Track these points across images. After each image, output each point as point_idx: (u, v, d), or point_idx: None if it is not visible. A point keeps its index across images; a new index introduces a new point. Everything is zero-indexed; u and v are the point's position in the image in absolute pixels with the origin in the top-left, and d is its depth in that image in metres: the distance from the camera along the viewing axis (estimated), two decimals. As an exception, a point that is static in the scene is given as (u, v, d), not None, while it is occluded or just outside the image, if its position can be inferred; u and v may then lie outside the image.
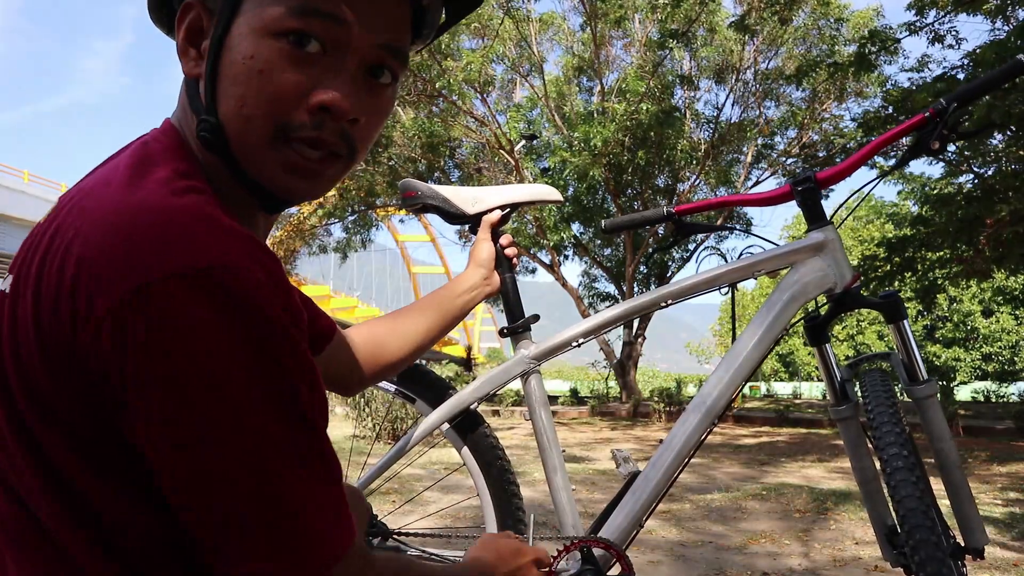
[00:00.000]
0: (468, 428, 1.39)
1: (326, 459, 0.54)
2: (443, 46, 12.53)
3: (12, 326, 0.53)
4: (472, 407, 1.37)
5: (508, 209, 1.34)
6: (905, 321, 1.33)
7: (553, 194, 1.39)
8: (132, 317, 0.47)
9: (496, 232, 1.32)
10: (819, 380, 27.61)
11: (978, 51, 7.35)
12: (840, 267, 1.32)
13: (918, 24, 8.25)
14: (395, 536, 1.40)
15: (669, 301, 1.34)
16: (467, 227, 1.36)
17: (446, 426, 1.38)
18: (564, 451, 1.34)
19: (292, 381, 0.51)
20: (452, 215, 1.34)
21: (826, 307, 1.36)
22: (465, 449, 1.39)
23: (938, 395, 1.33)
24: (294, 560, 0.51)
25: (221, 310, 0.48)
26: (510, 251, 1.31)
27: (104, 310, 0.48)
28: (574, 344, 1.37)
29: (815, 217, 1.34)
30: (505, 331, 1.36)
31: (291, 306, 0.53)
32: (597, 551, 1.18)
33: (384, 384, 1.40)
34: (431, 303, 1.18)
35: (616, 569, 1.16)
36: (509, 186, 1.37)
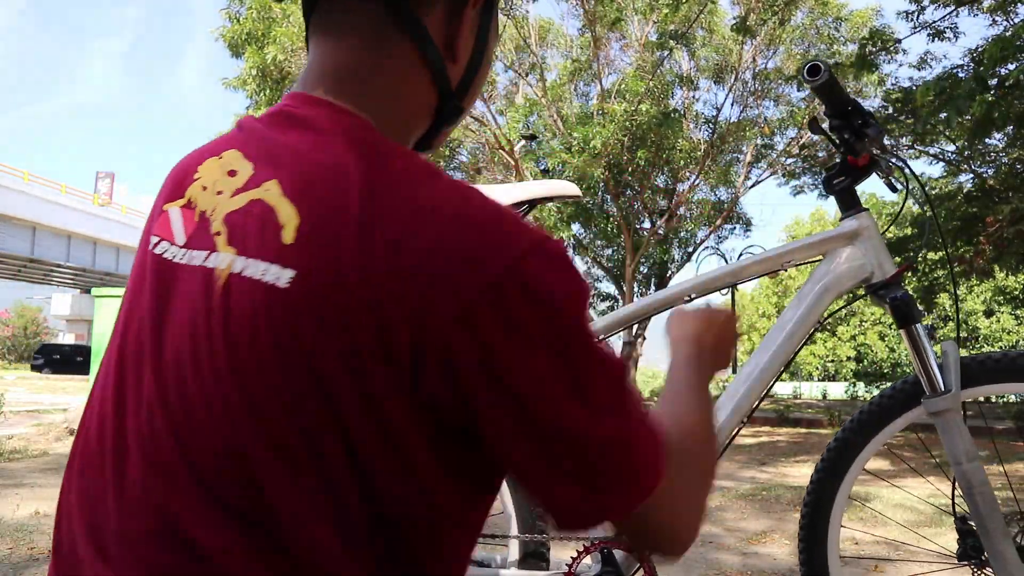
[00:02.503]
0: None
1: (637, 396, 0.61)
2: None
3: (319, 324, 0.52)
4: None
5: (525, 207, 1.33)
6: (918, 325, 1.24)
7: (570, 189, 1.37)
8: (511, 291, 0.52)
9: None
10: (819, 380, 27.67)
11: (981, 48, 7.34)
12: (878, 255, 1.25)
13: (917, 20, 8.23)
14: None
15: (694, 295, 1.30)
16: None
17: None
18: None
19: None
20: None
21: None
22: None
23: (960, 410, 1.21)
24: (635, 488, 0.57)
25: (569, 271, 0.55)
26: None
27: (477, 292, 0.51)
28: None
29: (849, 204, 1.28)
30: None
31: None
32: (618, 553, 1.16)
33: None
34: None
35: (639, 573, 1.14)
36: (526, 183, 1.36)
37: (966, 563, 1.32)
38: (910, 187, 1.39)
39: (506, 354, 0.52)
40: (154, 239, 0.65)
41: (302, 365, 0.52)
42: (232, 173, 0.62)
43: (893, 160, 1.31)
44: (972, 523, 1.29)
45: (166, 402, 0.57)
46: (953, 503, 1.31)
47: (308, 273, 0.53)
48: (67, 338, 41.87)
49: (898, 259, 8.76)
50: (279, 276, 0.53)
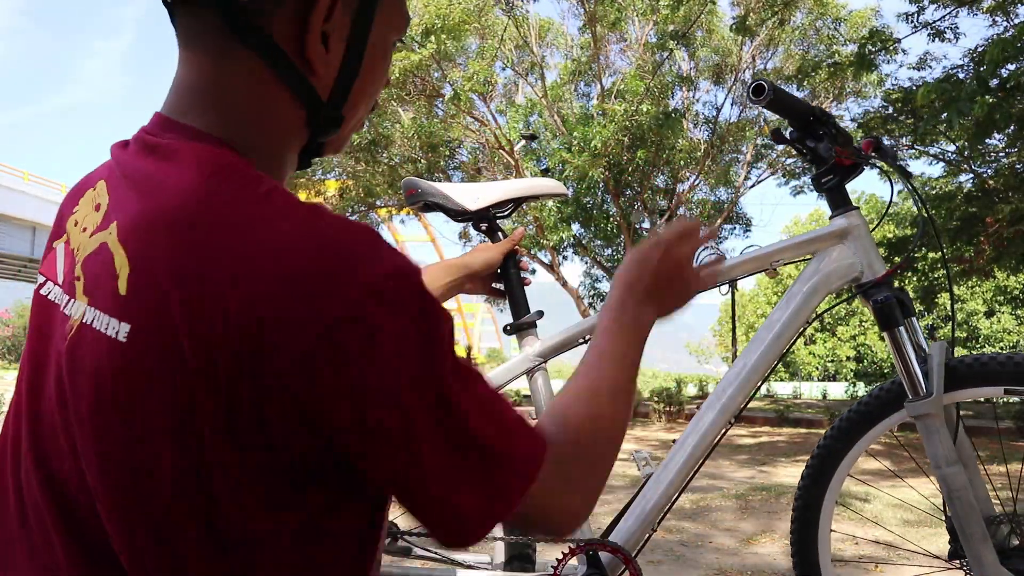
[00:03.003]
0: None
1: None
2: (444, 49, 12.50)
3: (148, 378, 0.50)
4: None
5: (510, 205, 1.32)
6: (900, 328, 1.23)
7: (556, 187, 1.37)
8: (348, 329, 0.49)
9: (496, 229, 1.33)
10: (819, 380, 27.65)
11: (981, 49, 7.33)
12: (868, 255, 1.23)
13: (917, 20, 8.21)
14: (405, 537, 1.37)
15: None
16: (469, 224, 1.35)
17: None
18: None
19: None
20: (454, 211, 1.32)
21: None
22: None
23: (942, 414, 1.19)
24: (511, 479, 0.56)
25: (412, 301, 0.53)
26: (522, 263, 1.33)
27: (314, 335, 0.48)
28: (581, 341, 1.34)
29: (839, 202, 1.26)
30: (510, 328, 1.34)
31: None
32: (604, 555, 1.14)
33: None
34: (446, 267, 1.28)
35: (625, 575, 1.13)
36: (510, 181, 1.35)
37: (958, 564, 1.31)
38: (895, 188, 1.38)
39: (353, 392, 0.49)
40: (40, 278, 0.64)
41: (141, 421, 0.51)
42: (97, 207, 0.60)
43: (888, 160, 1.29)
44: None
45: (39, 452, 0.57)
46: (944, 504, 1.30)
47: (140, 328, 0.51)
48: (67, 338, 41.93)
49: (897, 258, 8.77)
50: (118, 330, 0.52)
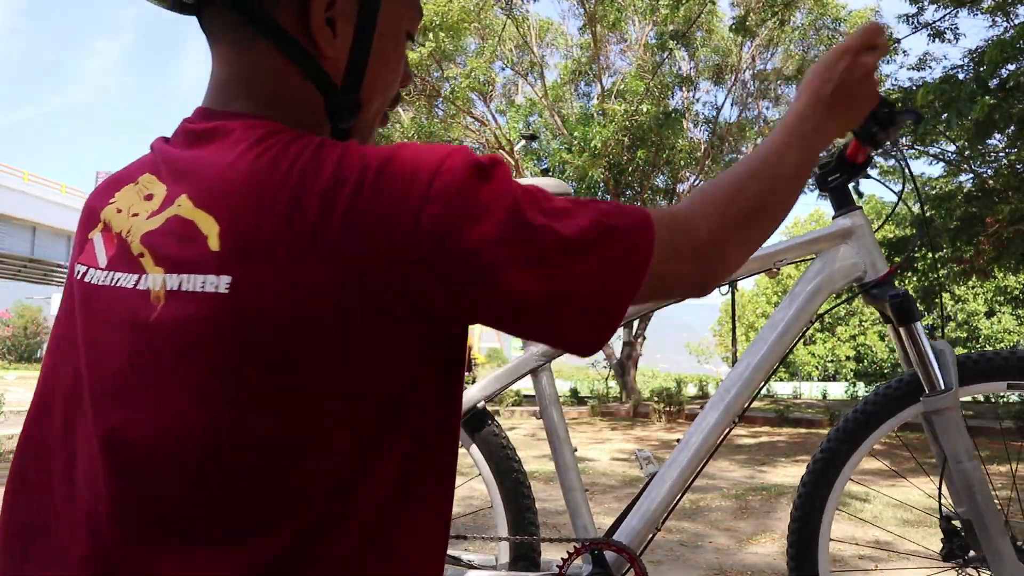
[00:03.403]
0: (476, 425, 1.38)
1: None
2: (444, 49, 12.50)
3: (275, 311, 0.54)
4: (480, 405, 1.36)
5: None
6: (917, 323, 1.25)
7: (561, 187, 1.37)
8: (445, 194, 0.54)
9: None
10: (819, 380, 27.64)
11: (981, 50, 7.33)
12: (871, 254, 1.25)
13: (917, 21, 8.22)
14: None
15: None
16: None
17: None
18: (575, 450, 1.33)
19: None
20: None
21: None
22: (474, 447, 1.38)
23: (959, 408, 1.23)
24: (631, 255, 0.60)
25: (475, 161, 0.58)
26: None
27: (413, 221, 0.54)
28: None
29: (842, 202, 1.27)
30: (513, 328, 1.35)
31: None
32: (609, 554, 1.15)
33: None
34: None
35: (630, 574, 1.13)
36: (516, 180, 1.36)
37: (951, 563, 1.32)
38: (905, 187, 1.38)
39: (465, 261, 0.54)
40: (80, 267, 0.66)
41: (265, 359, 0.54)
42: (149, 197, 0.63)
43: (894, 155, 1.29)
44: (957, 523, 1.30)
45: (110, 426, 0.57)
46: (940, 503, 1.31)
47: (245, 273, 0.54)
48: (67, 338, 41.79)
49: (898, 258, 8.79)
50: (217, 284, 0.54)
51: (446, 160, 0.56)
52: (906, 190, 1.38)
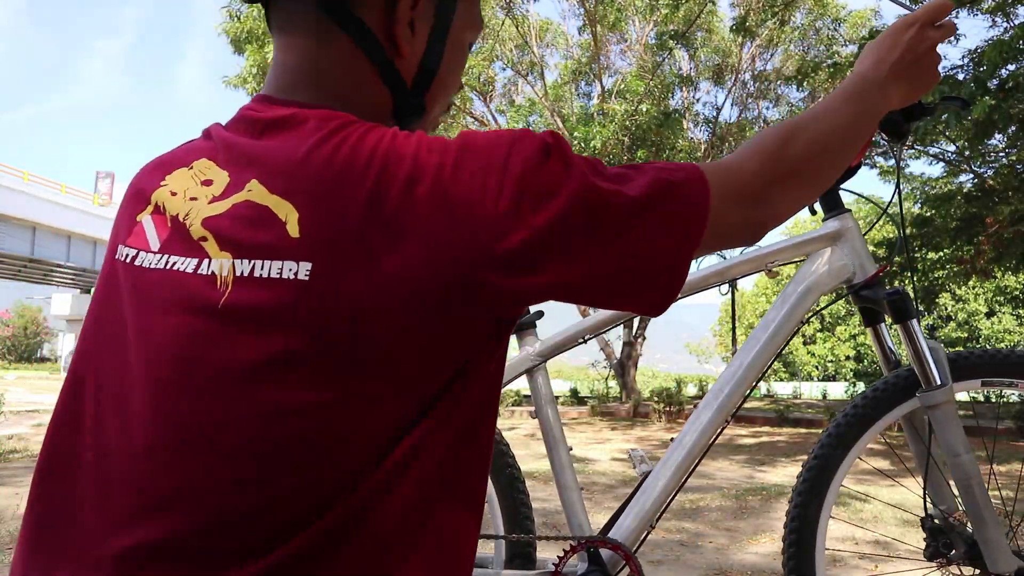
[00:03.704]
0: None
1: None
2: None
3: (355, 298, 0.54)
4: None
5: None
6: (914, 321, 1.28)
7: None
8: (515, 196, 0.56)
9: None
10: (819, 380, 27.64)
11: (980, 50, 7.34)
12: (860, 256, 1.28)
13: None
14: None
15: (678, 295, 1.31)
16: None
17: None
18: (571, 449, 1.33)
19: None
20: None
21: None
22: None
23: (955, 403, 1.26)
24: (689, 208, 0.62)
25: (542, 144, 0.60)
26: None
27: (491, 212, 0.55)
28: (580, 340, 1.36)
29: (832, 205, 1.31)
30: (510, 328, 1.36)
31: None
32: (605, 552, 1.16)
33: None
34: None
35: (625, 571, 1.14)
36: None
37: (935, 562, 1.33)
38: (893, 198, 1.40)
39: (545, 237, 0.56)
40: (127, 251, 0.64)
41: (337, 348, 0.54)
42: (207, 182, 0.62)
43: (895, 153, 1.33)
44: (937, 520, 1.33)
45: (164, 411, 0.56)
46: (925, 503, 1.33)
47: (326, 261, 0.54)
48: (67, 338, 41.90)
49: (898, 259, 8.80)
50: (297, 270, 0.54)
51: (515, 145, 0.58)
52: (893, 201, 1.40)
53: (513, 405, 15.12)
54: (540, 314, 1.35)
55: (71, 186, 31.75)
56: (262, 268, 0.55)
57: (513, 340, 1.37)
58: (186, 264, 0.58)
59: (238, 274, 0.56)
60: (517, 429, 10.84)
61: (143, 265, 0.61)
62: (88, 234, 31.28)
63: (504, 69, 14.95)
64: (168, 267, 0.59)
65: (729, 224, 0.65)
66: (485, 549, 1.37)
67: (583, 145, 12.84)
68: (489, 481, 1.37)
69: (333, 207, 0.55)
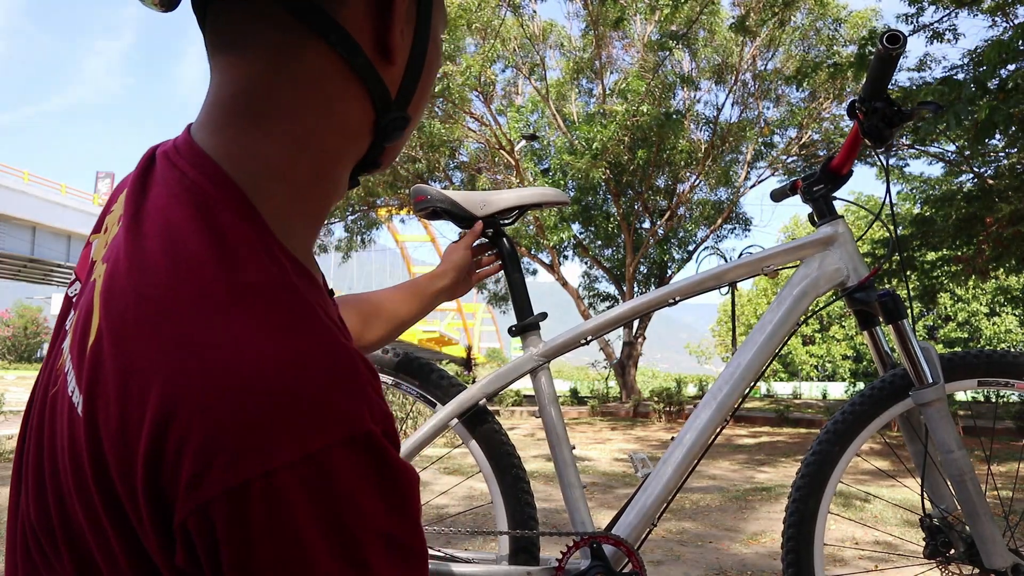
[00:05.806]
0: (477, 423, 1.40)
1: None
2: (444, 48, 12.52)
3: (97, 463, 0.43)
4: (480, 403, 1.38)
5: (515, 212, 1.37)
6: (905, 321, 1.31)
7: (560, 196, 1.41)
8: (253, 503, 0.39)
9: (501, 234, 1.36)
10: (819, 380, 27.66)
11: (980, 50, 7.36)
12: (853, 260, 1.31)
13: (916, 22, 8.24)
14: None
15: (677, 298, 1.35)
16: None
17: (455, 421, 1.39)
18: (573, 448, 1.35)
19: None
20: (462, 218, 1.36)
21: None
22: (473, 443, 1.41)
23: (946, 400, 1.29)
24: None
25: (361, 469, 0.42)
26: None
27: (222, 489, 0.39)
28: (583, 341, 1.38)
29: (825, 211, 1.34)
30: (514, 329, 1.38)
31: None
32: (608, 548, 1.18)
33: (404, 385, 1.46)
34: (412, 293, 1.22)
35: (628, 567, 1.16)
36: (516, 189, 1.39)
37: (935, 560, 1.35)
38: (885, 200, 1.42)
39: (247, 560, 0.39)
40: (74, 277, 0.58)
41: (90, 490, 0.44)
42: (118, 220, 0.53)
43: (881, 156, 1.37)
44: (936, 520, 1.35)
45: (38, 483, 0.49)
46: (923, 502, 1.35)
47: (90, 408, 0.44)
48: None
49: (897, 258, 8.79)
50: (78, 399, 0.45)
51: None
52: (901, 191, 1.42)
53: (513, 405, 15.15)
54: (544, 315, 1.37)
55: (71, 186, 31.75)
56: (69, 377, 0.48)
57: (517, 341, 1.39)
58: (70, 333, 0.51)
59: (64, 370, 0.49)
60: (517, 429, 10.86)
61: (71, 295, 0.57)
62: (88, 234, 31.22)
63: (504, 70, 14.97)
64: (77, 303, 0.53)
65: None
66: (490, 545, 1.39)
67: (586, 145, 12.86)
68: (494, 479, 1.39)
69: (104, 353, 0.44)
